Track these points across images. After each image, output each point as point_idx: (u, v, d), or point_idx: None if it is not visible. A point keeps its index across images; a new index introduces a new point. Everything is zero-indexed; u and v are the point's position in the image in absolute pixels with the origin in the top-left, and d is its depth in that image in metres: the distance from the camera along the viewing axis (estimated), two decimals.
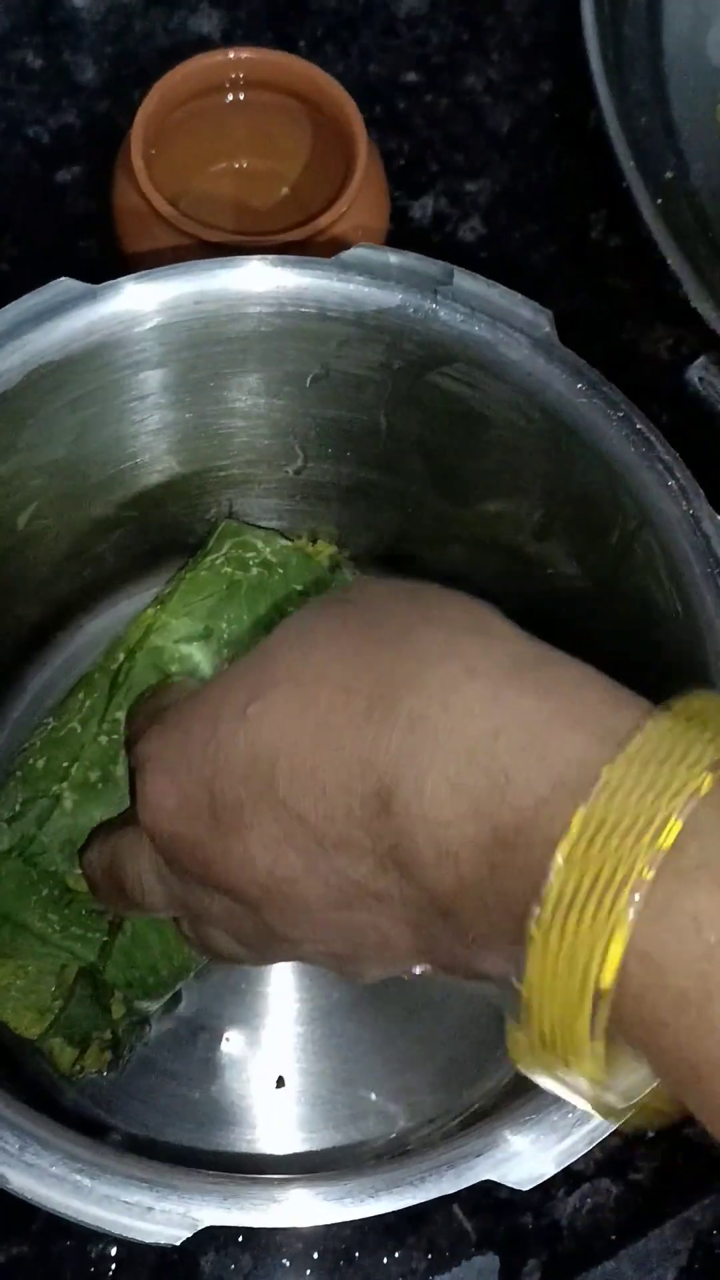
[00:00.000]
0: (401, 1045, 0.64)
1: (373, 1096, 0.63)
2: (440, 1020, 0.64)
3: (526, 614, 0.66)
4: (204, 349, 0.57)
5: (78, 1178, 0.45)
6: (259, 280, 0.56)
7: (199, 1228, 0.45)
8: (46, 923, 0.60)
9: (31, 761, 0.63)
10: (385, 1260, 0.63)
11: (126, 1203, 0.45)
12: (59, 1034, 0.61)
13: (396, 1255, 0.63)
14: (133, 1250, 0.61)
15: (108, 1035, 0.62)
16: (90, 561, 0.67)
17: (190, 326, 0.56)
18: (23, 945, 0.60)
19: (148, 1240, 0.45)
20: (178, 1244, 0.45)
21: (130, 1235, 0.45)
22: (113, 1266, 0.62)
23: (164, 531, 0.68)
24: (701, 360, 0.72)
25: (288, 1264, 0.62)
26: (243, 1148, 0.62)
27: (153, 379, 0.58)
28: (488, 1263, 0.63)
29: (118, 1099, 0.63)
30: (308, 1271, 0.62)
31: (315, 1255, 0.62)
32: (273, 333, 0.57)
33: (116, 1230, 0.45)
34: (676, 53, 0.79)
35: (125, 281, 0.55)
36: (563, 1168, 0.46)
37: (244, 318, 0.56)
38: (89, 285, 0.55)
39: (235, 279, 0.56)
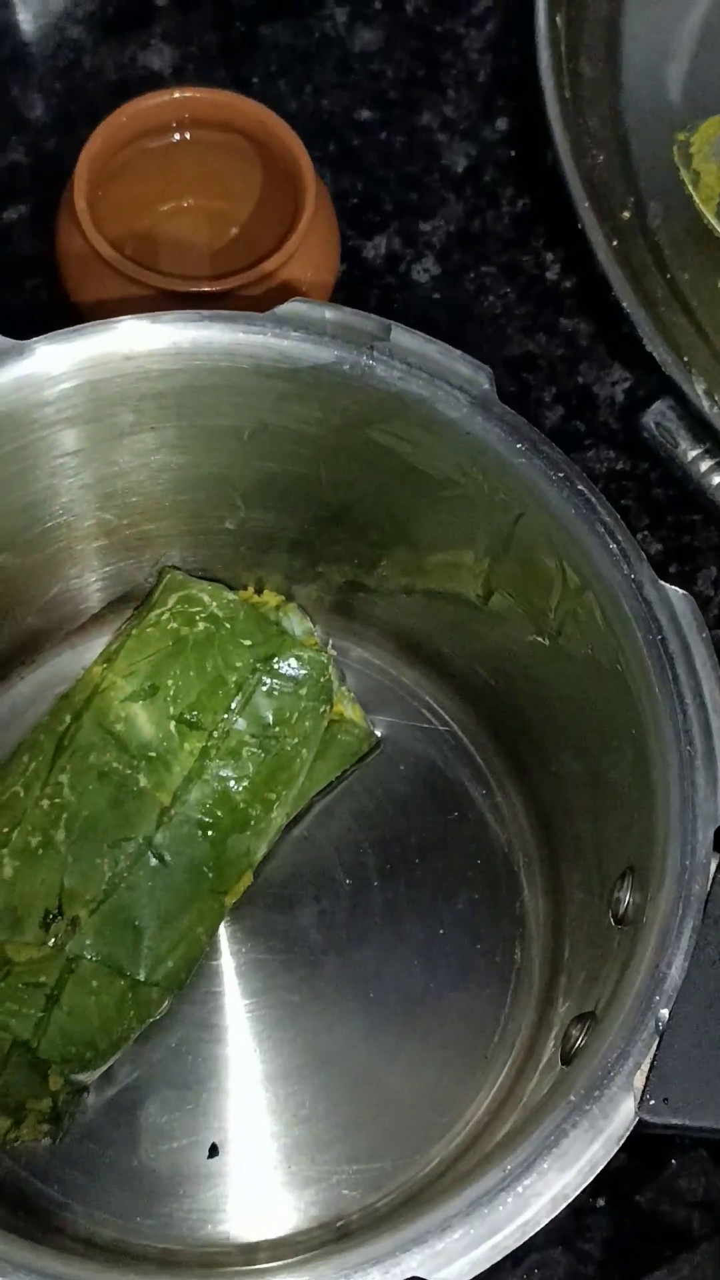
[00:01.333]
0: (344, 1114, 0.62)
1: (314, 1167, 0.61)
2: (385, 1090, 0.63)
3: (480, 666, 0.66)
4: (134, 404, 0.56)
5: None
6: (190, 335, 0.55)
7: None
8: None
9: None
10: None
11: None
12: None
13: None
14: None
15: (45, 1106, 0.60)
16: (28, 613, 0.66)
17: (119, 383, 0.55)
18: None
19: None
20: None
21: None
22: None
23: (107, 583, 0.67)
24: (658, 405, 0.71)
25: None
26: (179, 1219, 0.60)
27: (82, 434, 0.57)
28: None
29: (54, 1167, 0.61)
30: None
31: None
32: (206, 388, 0.56)
33: None
34: (634, 89, 0.78)
35: (48, 340, 0.53)
36: (493, 1263, 0.45)
37: (176, 373, 0.55)
38: (14, 341, 0.54)
39: (164, 334, 0.54)
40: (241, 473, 0.61)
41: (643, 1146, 0.63)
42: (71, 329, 0.53)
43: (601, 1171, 0.63)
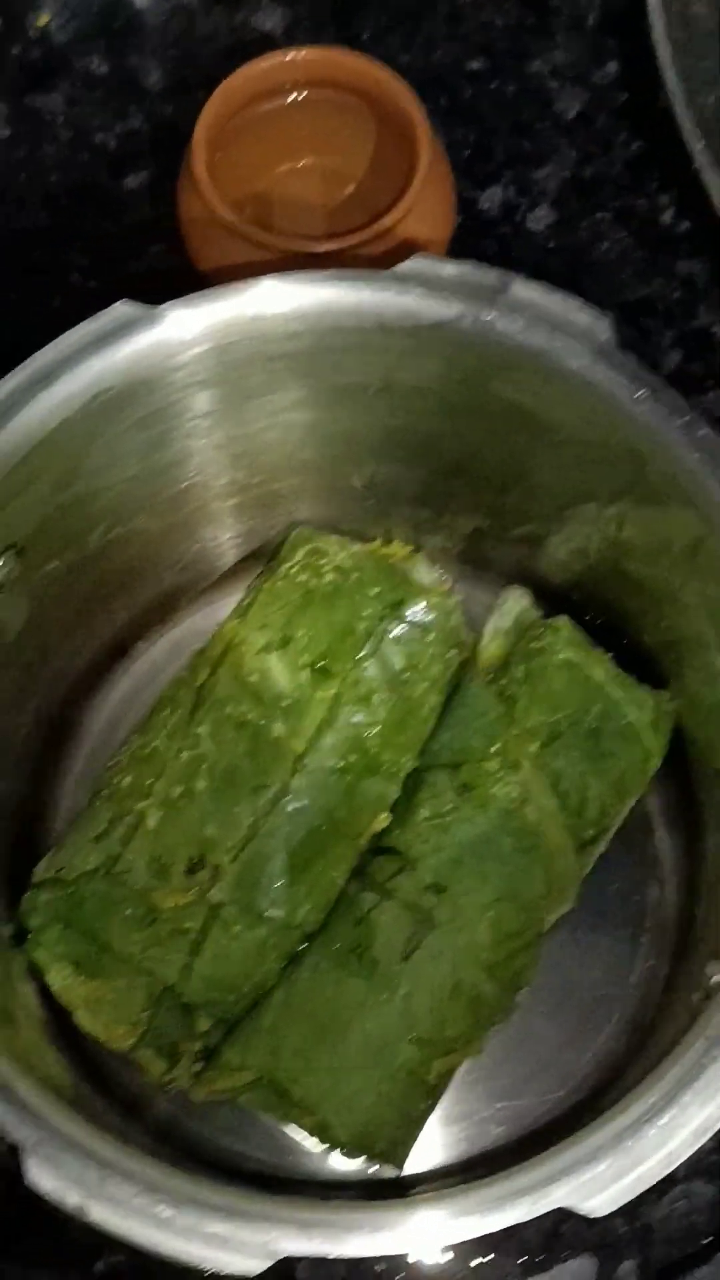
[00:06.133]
0: (489, 1054, 0.63)
1: (461, 1104, 0.63)
2: (527, 1030, 0.64)
3: (603, 613, 0.67)
4: (263, 365, 0.57)
5: (159, 1209, 0.46)
6: (315, 296, 0.56)
7: (279, 1257, 0.45)
8: (128, 942, 0.60)
9: (117, 780, 0.64)
10: (477, 1264, 0.63)
11: (206, 1234, 0.46)
12: (149, 1045, 0.62)
13: (490, 1259, 0.63)
14: None
15: (197, 1047, 0.62)
16: (165, 574, 0.67)
17: (248, 345, 0.56)
18: (108, 964, 0.61)
19: (228, 1271, 0.45)
20: (255, 1275, 0.45)
21: (211, 1267, 0.45)
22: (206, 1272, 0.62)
23: (239, 541, 0.68)
24: None
25: (381, 1270, 0.63)
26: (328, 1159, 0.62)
27: (214, 396, 0.58)
28: (583, 1266, 0.63)
29: (209, 1106, 0.63)
30: (400, 1277, 0.63)
31: (409, 1259, 0.63)
32: (332, 348, 0.57)
33: (196, 1263, 0.45)
34: None
35: (179, 305, 0.55)
36: (637, 1194, 0.46)
37: (302, 334, 0.56)
38: (147, 308, 0.55)
39: (290, 296, 0.55)
40: (367, 429, 0.62)
41: None
42: (199, 294, 0.55)
43: None
